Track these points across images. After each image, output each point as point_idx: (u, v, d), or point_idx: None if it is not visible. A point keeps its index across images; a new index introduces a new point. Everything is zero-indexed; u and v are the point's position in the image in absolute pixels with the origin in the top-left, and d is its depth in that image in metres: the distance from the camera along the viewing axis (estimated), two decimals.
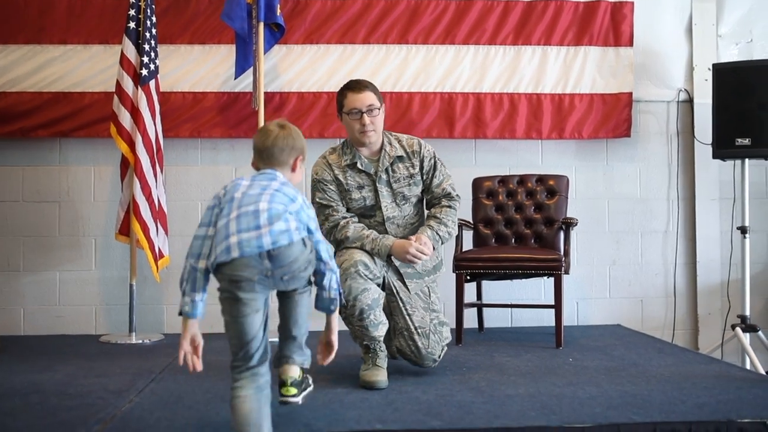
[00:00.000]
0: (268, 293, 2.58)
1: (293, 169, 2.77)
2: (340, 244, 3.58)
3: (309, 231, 2.61)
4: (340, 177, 3.63)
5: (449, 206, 3.72)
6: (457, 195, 3.78)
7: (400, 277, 3.62)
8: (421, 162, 3.69)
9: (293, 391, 2.71)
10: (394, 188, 3.65)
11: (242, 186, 2.63)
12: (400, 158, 3.67)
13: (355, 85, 3.60)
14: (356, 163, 3.62)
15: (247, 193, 2.59)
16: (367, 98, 3.55)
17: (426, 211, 3.82)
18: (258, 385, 2.51)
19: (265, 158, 2.74)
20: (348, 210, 3.66)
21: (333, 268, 2.68)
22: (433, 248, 3.59)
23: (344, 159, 3.64)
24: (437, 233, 3.62)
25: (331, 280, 2.67)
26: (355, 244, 3.53)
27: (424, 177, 3.71)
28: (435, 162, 3.72)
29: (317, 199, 3.62)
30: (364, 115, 3.54)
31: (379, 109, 3.58)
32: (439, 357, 3.60)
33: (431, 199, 3.76)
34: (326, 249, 2.67)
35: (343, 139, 3.90)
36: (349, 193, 3.63)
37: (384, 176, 3.64)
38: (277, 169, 2.73)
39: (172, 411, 3.00)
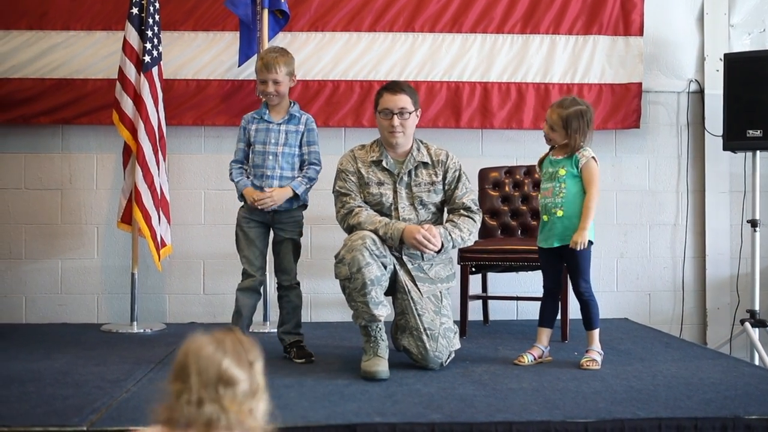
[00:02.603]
0: None
1: None
2: (353, 229, 3.62)
3: None
4: (363, 171, 3.72)
5: (468, 216, 3.75)
6: (479, 209, 3.81)
7: (412, 279, 3.64)
8: (445, 172, 3.75)
9: None
10: (414, 192, 3.71)
11: None
12: (424, 164, 3.75)
13: (393, 87, 3.73)
14: (382, 160, 3.70)
15: None
16: (401, 101, 3.64)
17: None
18: None
19: None
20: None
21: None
22: (442, 246, 3.59)
23: (371, 155, 3.73)
24: (449, 234, 3.64)
25: None
26: (368, 227, 3.56)
27: (446, 187, 3.76)
28: (459, 175, 3.77)
29: (337, 187, 3.73)
30: (395, 116, 3.63)
31: (411, 113, 3.67)
32: (445, 362, 3.58)
33: (451, 210, 3.80)
34: None
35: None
36: (368, 187, 3.70)
37: (405, 178, 3.72)
38: None
39: None
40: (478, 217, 3.79)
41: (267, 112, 3.88)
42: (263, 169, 3.81)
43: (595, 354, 3.62)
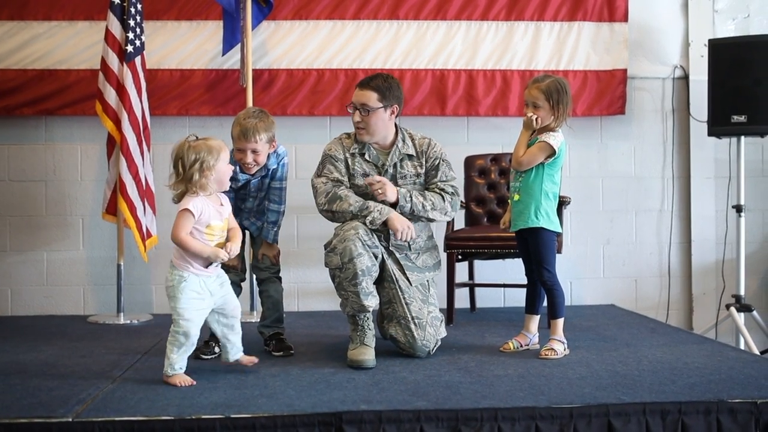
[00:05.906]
0: None
1: None
2: (337, 199, 3.54)
3: None
4: (349, 161, 3.67)
5: (439, 193, 3.66)
6: (454, 194, 3.70)
7: (401, 268, 3.63)
8: (427, 161, 3.70)
9: None
10: (399, 184, 3.65)
11: None
12: (410, 156, 3.70)
13: (363, 82, 3.65)
14: (365, 153, 3.66)
15: None
16: (364, 96, 3.57)
17: None
18: None
19: None
20: None
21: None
22: (398, 202, 3.53)
23: (354, 146, 3.68)
24: (412, 197, 3.57)
25: None
26: (354, 202, 3.50)
27: (426, 175, 3.72)
28: (439, 163, 3.70)
29: (325, 171, 3.65)
30: (357, 111, 3.58)
31: (373, 109, 3.56)
32: (432, 350, 3.58)
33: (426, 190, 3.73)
34: None
35: None
36: (354, 178, 3.66)
37: (391, 170, 3.67)
38: None
39: (154, 392, 2.96)
40: (450, 198, 3.66)
41: (239, 170, 3.61)
42: (239, 217, 3.68)
43: (556, 343, 3.55)
